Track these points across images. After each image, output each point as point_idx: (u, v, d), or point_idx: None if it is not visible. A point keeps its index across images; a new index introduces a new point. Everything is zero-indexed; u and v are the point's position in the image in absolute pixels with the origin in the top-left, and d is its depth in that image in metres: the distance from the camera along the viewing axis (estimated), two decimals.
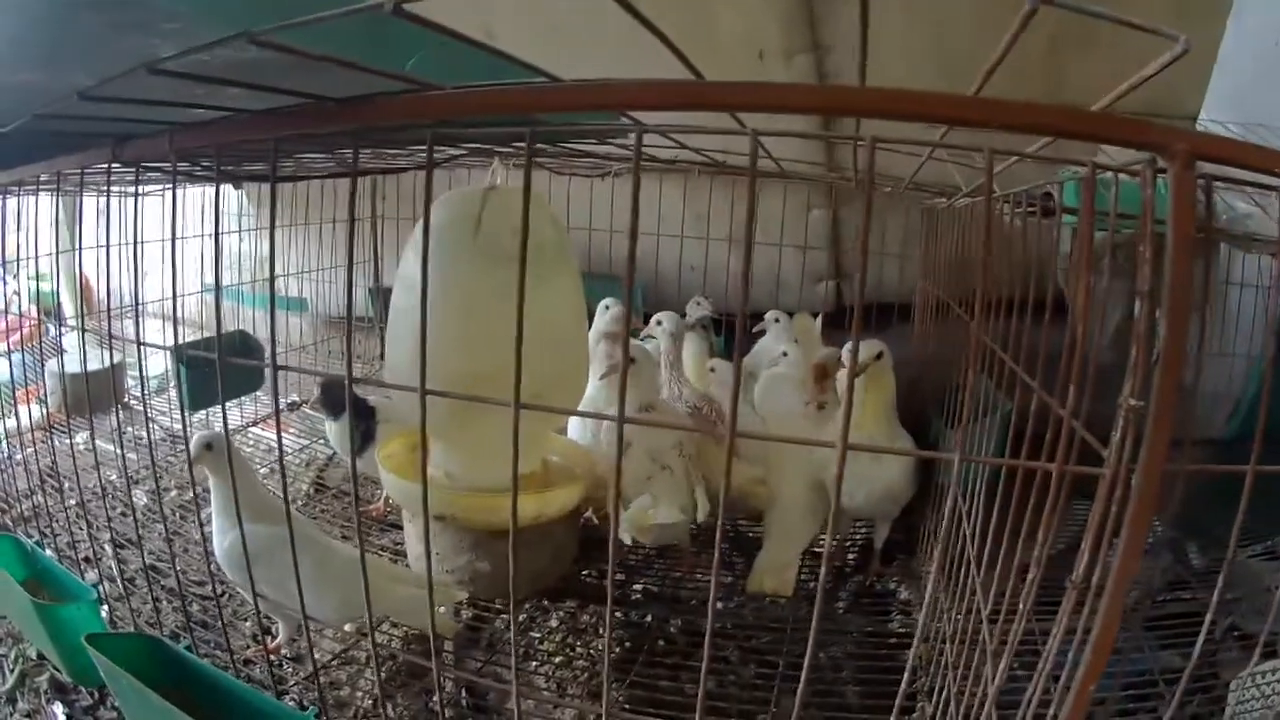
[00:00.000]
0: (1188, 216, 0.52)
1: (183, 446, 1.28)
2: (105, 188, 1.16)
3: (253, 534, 1.07)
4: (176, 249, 0.98)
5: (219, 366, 0.88)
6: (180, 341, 1.48)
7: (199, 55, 0.65)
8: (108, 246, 1.17)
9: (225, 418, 1.04)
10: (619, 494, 0.73)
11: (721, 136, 1.18)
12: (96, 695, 1.37)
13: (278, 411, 1.09)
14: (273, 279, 0.93)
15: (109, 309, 1.48)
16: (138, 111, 0.86)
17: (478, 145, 1.41)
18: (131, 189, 1.56)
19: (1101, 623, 0.60)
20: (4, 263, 1.94)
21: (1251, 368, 1.81)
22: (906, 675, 0.77)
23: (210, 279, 2.09)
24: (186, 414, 1.93)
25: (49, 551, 1.52)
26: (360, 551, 0.92)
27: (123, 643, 1.14)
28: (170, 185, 1.15)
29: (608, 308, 1.90)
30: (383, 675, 1.43)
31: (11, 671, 1.44)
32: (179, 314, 1.11)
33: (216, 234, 0.93)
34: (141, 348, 1.12)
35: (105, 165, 0.96)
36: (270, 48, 0.59)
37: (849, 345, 1.79)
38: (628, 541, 1.40)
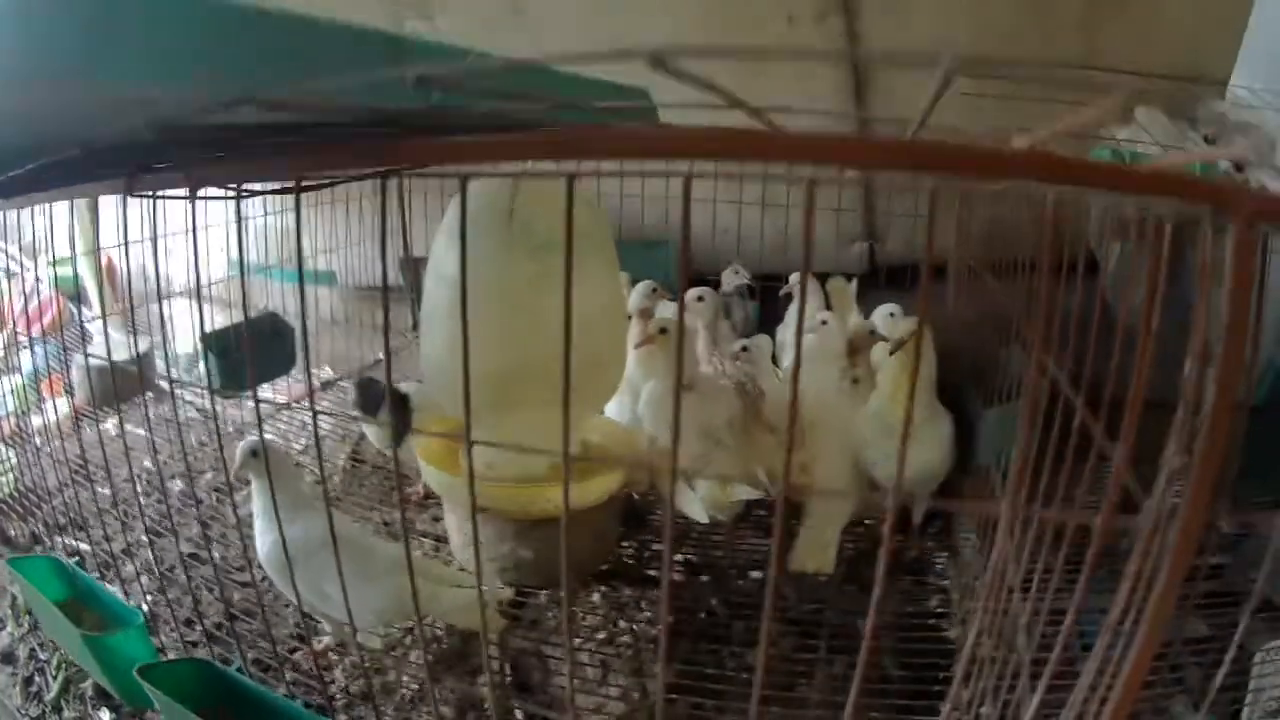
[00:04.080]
0: (1247, 277, 0.50)
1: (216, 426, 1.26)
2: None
3: (291, 538, 1.07)
4: (199, 248, 0.96)
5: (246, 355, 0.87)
6: (207, 322, 1.46)
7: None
8: (127, 244, 1.15)
9: (259, 409, 1.01)
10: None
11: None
12: None
13: (310, 389, 1.06)
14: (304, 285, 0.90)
15: (131, 300, 1.45)
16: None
17: None
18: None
19: (1133, 659, 0.55)
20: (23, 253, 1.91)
21: None
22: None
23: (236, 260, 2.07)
24: (216, 398, 1.91)
25: (84, 546, 1.53)
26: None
27: (174, 670, 1.14)
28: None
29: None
30: (429, 659, 1.45)
31: (55, 679, 1.43)
32: (206, 297, 1.07)
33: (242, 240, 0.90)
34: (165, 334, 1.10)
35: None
36: (279, 109, 0.55)
37: (880, 310, 1.76)
38: (705, 520, 1.42)
